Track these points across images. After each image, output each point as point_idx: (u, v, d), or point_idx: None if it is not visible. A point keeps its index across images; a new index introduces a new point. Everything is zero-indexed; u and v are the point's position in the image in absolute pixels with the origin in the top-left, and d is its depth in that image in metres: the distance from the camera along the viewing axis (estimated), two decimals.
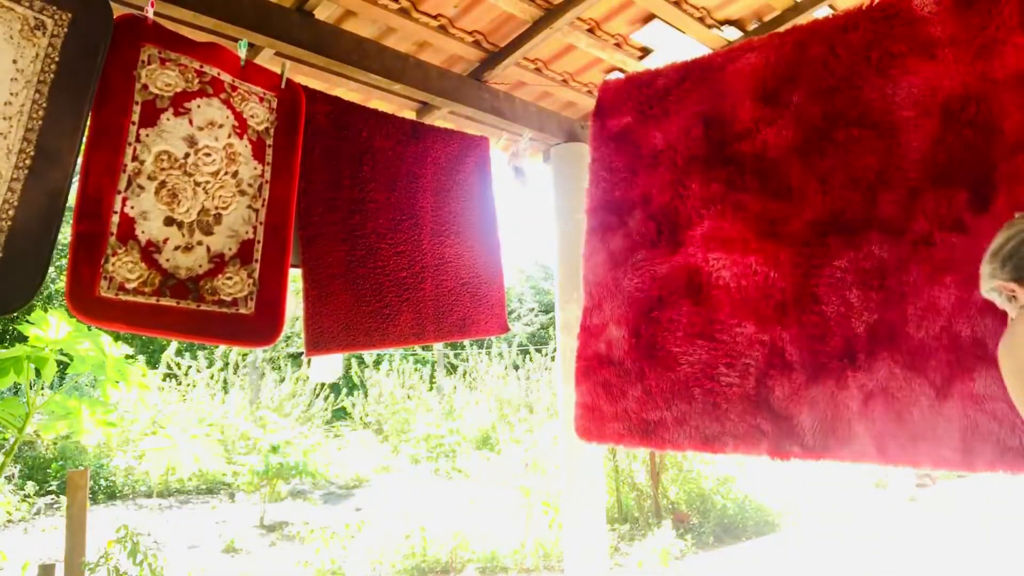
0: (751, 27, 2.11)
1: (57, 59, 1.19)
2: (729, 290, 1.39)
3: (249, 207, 1.47)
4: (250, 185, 1.48)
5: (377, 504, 5.77)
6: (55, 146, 1.18)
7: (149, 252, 1.31)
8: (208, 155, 1.40)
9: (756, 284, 1.36)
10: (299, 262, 1.62)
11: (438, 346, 10.89)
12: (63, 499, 4.58)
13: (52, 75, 1.19)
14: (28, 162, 1.15)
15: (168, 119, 1.35)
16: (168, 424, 5.80)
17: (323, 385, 7.98)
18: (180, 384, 7.11)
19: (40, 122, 1.17)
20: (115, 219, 1.27)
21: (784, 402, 1.31)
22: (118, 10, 1.31)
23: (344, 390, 8.73)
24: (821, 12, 1.96)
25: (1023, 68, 1.14)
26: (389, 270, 1.79)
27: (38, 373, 2.10)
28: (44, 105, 1.17)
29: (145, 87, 1.33)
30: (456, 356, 11.00)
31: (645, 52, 2.24)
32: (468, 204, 2.03)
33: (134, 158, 1.30)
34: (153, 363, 8.05)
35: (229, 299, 1.42)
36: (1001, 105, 1.16)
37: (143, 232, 1.30)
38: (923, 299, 1.19)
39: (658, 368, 1.47)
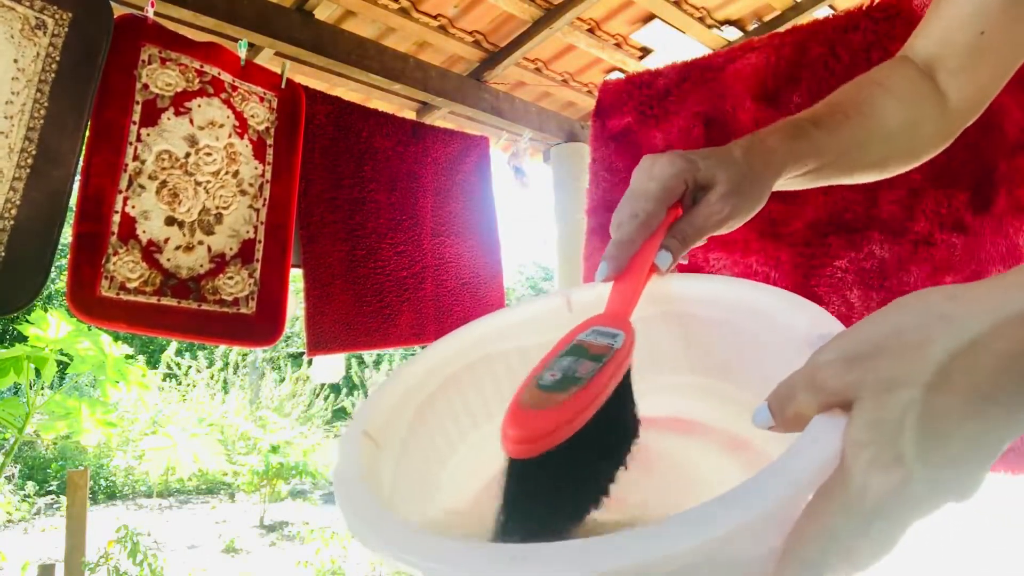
0: (751, 27, 2.12)
1: (58, 59, 1.19)
2: None
3: (250, 207, 1.47)
4: (251, 185, 1.48)
5: None
6: (56, 145, 1.18)
7: (150, 252, 1.31)
8: (209, 155, 1.40)
9: None
10: (300, 262, 1.62)
11: None
12: (63, 499, 4.59)
13: (53, 75, 1.19)
14: (30, 161, 1.15)
15: (169, 119, 1.35)
16: (168, 424, 5.80)
17: (323, 385, 7.98)
18: (180, 384, 7.11)
19: (41, 121, 1.17)
20: (116, 219, 1.27)
21: None
22: (118, 10, 1.31)
23: (344, 390, 8.73)
24: (821, 12, 1.96)
25: (1023, 68, 1.14)
26: (389, 270, 1.79)
27: (38, 373, 2.10)
28: (45, 104, 1.17)
29: (146, 87, 1.33)
30: None
31: (645, 52, 2.24)
32: (468, 204, 2.03)
33: (135, 158, 1.30)
34: (153, 363, 8.05)
35: (230, 299, 1.42)
36: (1001, 105, 1.16)
37: (144, 232, 1.30)
38: None
39: None
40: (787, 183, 0.55)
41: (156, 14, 1.38)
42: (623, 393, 0.38)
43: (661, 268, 0.46)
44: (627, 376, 0.39)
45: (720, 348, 0.46)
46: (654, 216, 0.46)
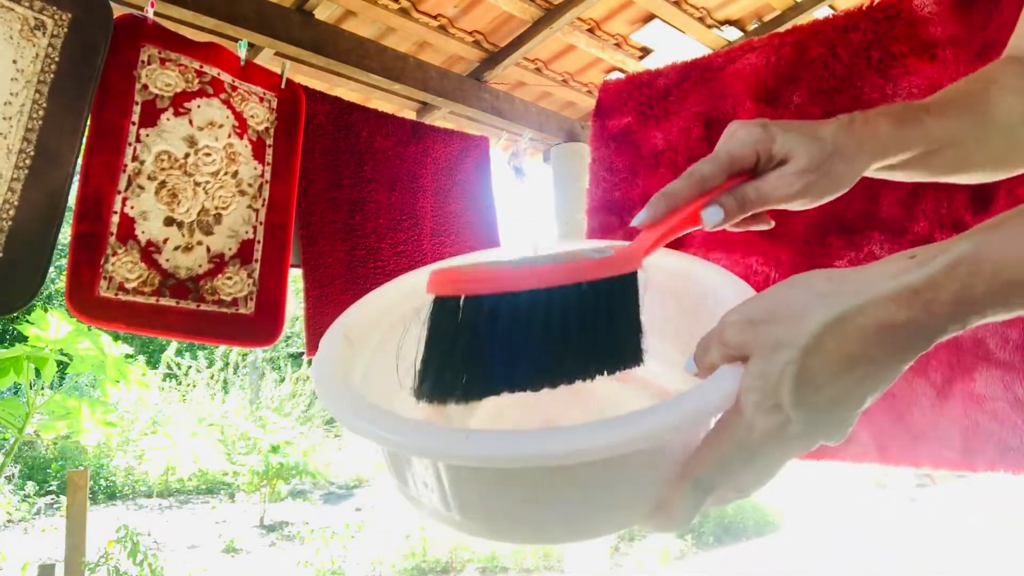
0: (751, 27, 2.11)
1: (57, 59, 1.19)
2: None
3: (249, 207, 1.47)
4: (250, 185, 1.48)
5: (377, 504, 5.77)
6: (55, 146, 1.18)
7: (149, 252, 1.31)
8: (208, 155, 1.40)
9: (757, 284, 1.36)
10: (299, 262, 1.62)
11: None
12: (63, 499, 4.58)
13: (52, 75, 1.19)
14: (28, 162, 1.15)
15: (168, 119, 1.35)
16: (168, 424, 5.80)
17: None
18: (180, 384, 7.11)
19: (40, 122, 1.17)
20: (115, 219, 1.27)
21: None
22: (118, 10, 1.30)
23: None
24: (821, 12, 1.96)
25: None
26: (389, 270, 1.79)
27: (38, 373, 2.10)
28: (44, 105, 1.17)
29: (145, 87, 1.33)
30: None
31: (645, 52, 2.24)
32: (468, 204, 2.03)
33: (134, 158, 1.30)
34: (153, 363, 8.04)
35: (229, 299, 1.42)
36: None
37: (143, 232, 1.30)
38: None
39: None
40: (884, 172, 0.52)
41: (156, 14, 1.38)
42: (606, 301, 0.40)
43: (707, 222, 0.46)
44: (621, 293, 0.41)
45: (672, 315, 0.52)
46: (710, 179, 0.45)
